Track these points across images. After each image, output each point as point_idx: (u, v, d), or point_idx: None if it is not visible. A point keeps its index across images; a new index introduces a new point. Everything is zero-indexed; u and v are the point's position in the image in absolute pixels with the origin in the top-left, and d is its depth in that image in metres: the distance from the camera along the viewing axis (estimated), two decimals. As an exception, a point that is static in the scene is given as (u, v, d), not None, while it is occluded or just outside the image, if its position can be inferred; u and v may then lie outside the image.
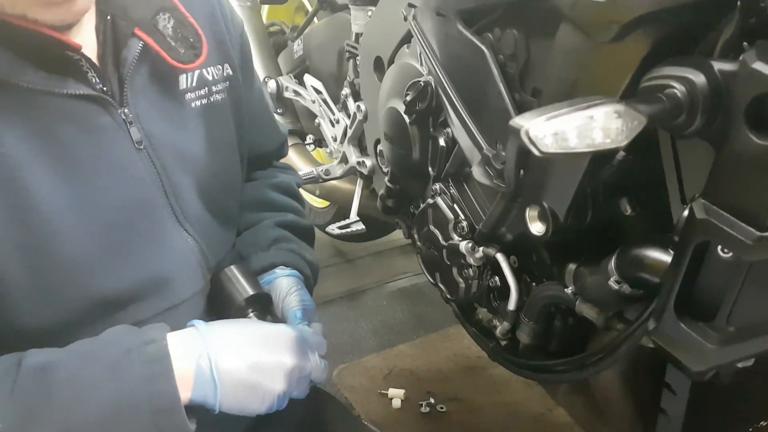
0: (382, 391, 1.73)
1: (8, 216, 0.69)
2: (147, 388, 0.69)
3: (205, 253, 0.88)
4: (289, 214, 1.08)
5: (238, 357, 0.75)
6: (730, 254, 0.57)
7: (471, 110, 0.88)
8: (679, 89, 0.56)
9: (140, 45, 0.79)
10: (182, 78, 0.85)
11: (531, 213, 0.82)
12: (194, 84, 0.86)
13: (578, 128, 0.52)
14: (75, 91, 0.72)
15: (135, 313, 0.80)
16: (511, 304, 0.98)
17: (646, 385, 0.99)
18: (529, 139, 0.51)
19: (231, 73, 0.92)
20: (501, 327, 1.04)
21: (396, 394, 1.72)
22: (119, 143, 0.78)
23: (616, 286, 0.74)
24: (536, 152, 0.52)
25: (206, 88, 0.88)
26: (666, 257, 0.68)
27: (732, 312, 0.60)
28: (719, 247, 0.58)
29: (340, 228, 1.47)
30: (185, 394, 0.72)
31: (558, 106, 0.52)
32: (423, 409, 1.68)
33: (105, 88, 0.76)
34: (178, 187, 0.84)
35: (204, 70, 0.88)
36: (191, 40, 0.85)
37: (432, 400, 1.70)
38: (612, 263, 0.75)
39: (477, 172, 0.86)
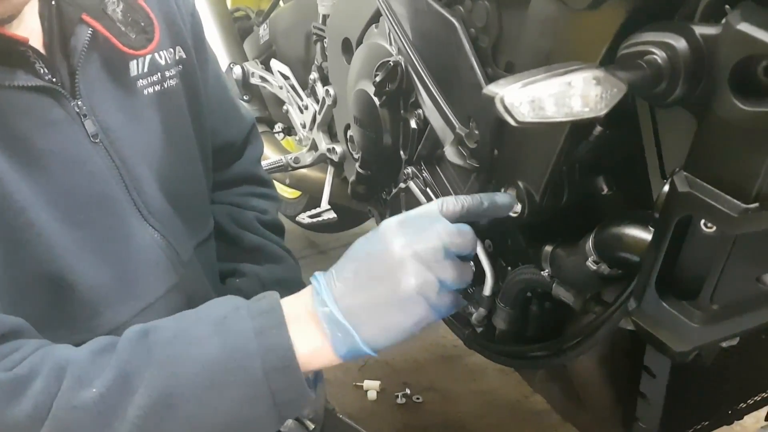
0: (357, 383, 1.70)
1: None
2: (257, 342, 0.62)
3: (174, 248, 0.84)
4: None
5: (349, 273, 0.65)
6: (714, 229, 0.55)
7: (442, 88, 0.85)
8: (659, 55, 0.53)
9: (89, 32, 0.74)
10: (133, 64, 0.80)
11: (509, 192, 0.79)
12: (146, 70, 0.82)
13: (556, 95, 0.49)
14: (25, 83, 0.68)
15: (111, 317, 0.76)
16: (487, 290, 0.94)
17: (624, 369, 0.97)
18: (504, 107, 0.47)
19: (184, 56, 0.87)
20: (476, 314, 1.01)
21: (371, 386, 1.69)
22: (74, 137, 0.73)
23: (594, 267, 0.72)
24: (512, 122, 0.48)
25: (159, 74, 0.83)
26: (646, 235, 0.65)
27: (716, 289, 0.58)
28: (702, 222, 0.55)
29: (311, 217, 1.42)
30: (323, 352, 0.65)
31: (534, 72, 0.49)
32: (399, 400, 1.66)
33: (54, 80, 0.72)
34: (138, 181, 0.80)
35: (156, 55, 0.83)
36: (142, 24, 0.80)
37: (408, 391, 1.68)
38: (589, 243, 0.72)
39: (450, 153, 0.83)
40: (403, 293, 0.62)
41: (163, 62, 0.84)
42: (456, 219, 0.68)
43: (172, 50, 0.85)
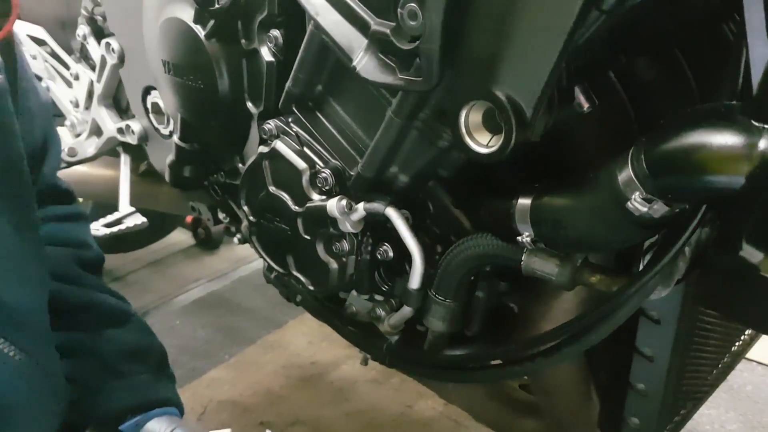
0: (201, 438, 1.31)
1: None
2: None
3: None
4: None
5: None
6: None
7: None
8: None
9: None
10: None
11: (472, 117, 0.49)
12: None
13: None
14: None
15: None
16: (415, 281, 0.65)
17: (601, 357, 0.73)
18: None
19: None
20: (393, 317, 0.71)
21: (220, 437, 1.31)
22: None
23: (644, 208, 0.45)
24: None
25: None
26: (746, 140, 0.40)
27: None
28: None
29: (109, 225, 1.01)
30: None
31: None
32: (260, 447, 1.31)
33: None
34: None
35: None
36: None
37: (269, 432, 1.34)
38: (629, 172, 0.45)
39: (366, 67, 0.51)
40: None
41: None
42: None
43: None
